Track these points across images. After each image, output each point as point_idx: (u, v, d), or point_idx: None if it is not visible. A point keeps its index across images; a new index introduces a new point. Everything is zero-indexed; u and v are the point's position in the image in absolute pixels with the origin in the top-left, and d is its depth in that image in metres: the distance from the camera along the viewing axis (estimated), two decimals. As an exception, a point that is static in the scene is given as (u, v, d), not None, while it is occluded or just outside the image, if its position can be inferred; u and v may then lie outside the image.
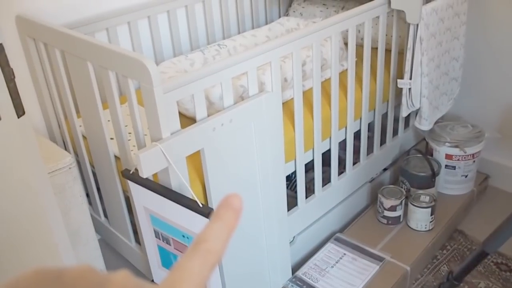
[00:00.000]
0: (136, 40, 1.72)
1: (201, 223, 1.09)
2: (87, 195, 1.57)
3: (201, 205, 1.08)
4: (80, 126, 1.44)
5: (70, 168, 1.27)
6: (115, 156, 1.35)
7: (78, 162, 1.51)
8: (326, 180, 1.65)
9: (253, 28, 2.11)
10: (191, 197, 1.12)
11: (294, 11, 2.15)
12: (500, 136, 1.96)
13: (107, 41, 1.64)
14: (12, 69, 0.82)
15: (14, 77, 0.82)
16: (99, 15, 1.60)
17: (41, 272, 0.27)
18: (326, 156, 1.60)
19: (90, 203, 1.62)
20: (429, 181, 1.75)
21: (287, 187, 1.55)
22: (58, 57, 1.35)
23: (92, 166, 1.49)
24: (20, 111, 0.82)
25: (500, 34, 1.83)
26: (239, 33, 2.06)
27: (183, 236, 1.16)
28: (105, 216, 1.61)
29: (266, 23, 2.16)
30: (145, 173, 1.04)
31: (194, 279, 0.27)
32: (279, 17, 2.22)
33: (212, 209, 1.08)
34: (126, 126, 1.26)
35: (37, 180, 0.89)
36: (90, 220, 1.39)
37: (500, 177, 2.00)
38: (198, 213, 1.08)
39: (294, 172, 1.50)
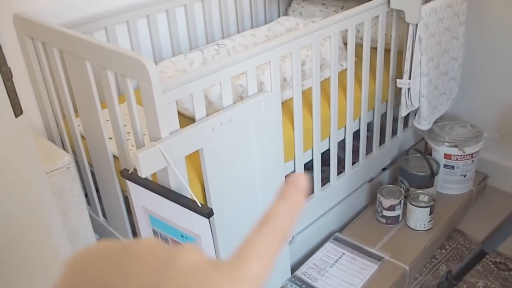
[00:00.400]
0: (135, 40, 1.71)
1: (200, 223, 1.09)
2: (86, 195, 1.56)
3: (200, 205, 1.07)
4: (79, 125, 1.43)
5: (68, 168, 1.26)
6: (114, 156, 1.35)
7: (77, 162, 1.51)
8: (325, 179, 1.65)
9: (252, 27, 2.11)
10: (190, 197, 1.11)
11: (293, 11, 2.15)
12: (499, 136, 1.96)
13: (105, 40, 1.63)
14: (9, 68, 0.81)
15: (12, 76, 0.82)
16: (97, 14, 1.60)
17: (110, 243, 0.27)
18: (325, 156, 1.59)
19: (88, 203, 1.61)
20: (428, 181, 1.75)
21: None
22: (56, 56, 1.34)
23: (91, 166, 1.49)
24: (18, 110, 0.82)
25: (499, 34, 1.83)
26: (238, 32, 2.06)
27: (182, 236, 1.16)
28: (104, 216, 1.61)
29: (266, 23, 2.16)
30: (144, 173, 1.04)
31: (263, 255, 0.27)
32: (279, 16, 2.21)
33: (211, 209, 1.08)
34: (125, 125, 1.26)
35: (35, 180, 0.88)
36: (89, 220, 1.39)
37: (499, 176, 2.00)
38: (197, 213, 1.07)
39: (294, 172, 1.50)
